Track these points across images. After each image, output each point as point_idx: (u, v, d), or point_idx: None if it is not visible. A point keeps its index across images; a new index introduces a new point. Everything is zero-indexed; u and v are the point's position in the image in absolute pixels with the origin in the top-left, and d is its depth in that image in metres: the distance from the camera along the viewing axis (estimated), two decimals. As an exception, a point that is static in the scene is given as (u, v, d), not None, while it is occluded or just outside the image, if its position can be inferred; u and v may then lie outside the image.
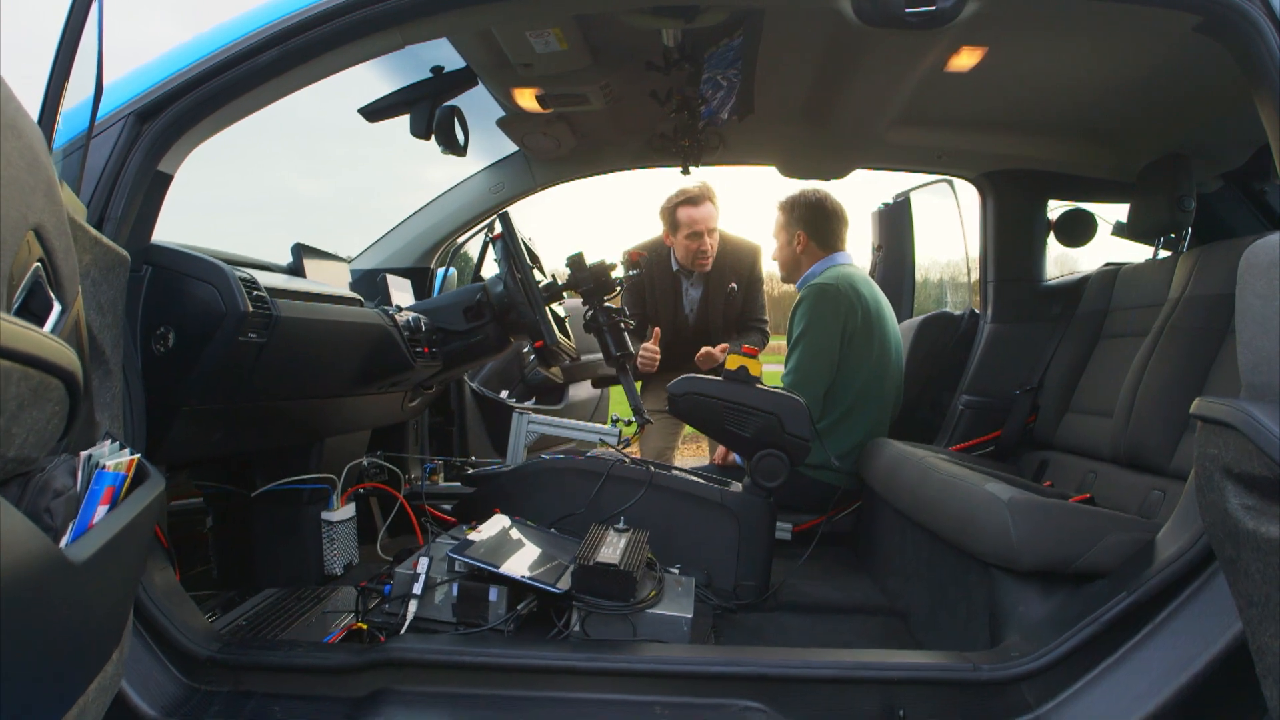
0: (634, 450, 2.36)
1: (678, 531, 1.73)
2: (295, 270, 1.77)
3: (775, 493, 1.76)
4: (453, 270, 2.69)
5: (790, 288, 2.48)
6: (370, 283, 2.26)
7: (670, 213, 2.76)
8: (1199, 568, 1.11)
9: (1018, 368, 2.36)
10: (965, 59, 1.77)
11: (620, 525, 1.54)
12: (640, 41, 1.77)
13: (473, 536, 1.48)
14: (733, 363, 1.79)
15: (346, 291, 1.68)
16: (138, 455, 0.92)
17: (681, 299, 2.91)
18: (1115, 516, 1.28)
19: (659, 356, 2.71)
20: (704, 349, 2.67)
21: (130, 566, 0.91)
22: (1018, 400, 2.30)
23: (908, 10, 1.25)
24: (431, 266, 2.59)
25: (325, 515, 1.81)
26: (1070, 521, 1.26)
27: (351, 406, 1.83)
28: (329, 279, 1.88)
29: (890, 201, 3.18)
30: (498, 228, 1.99)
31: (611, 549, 1.40)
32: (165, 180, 1.29)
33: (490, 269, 2.14)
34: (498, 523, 1.58)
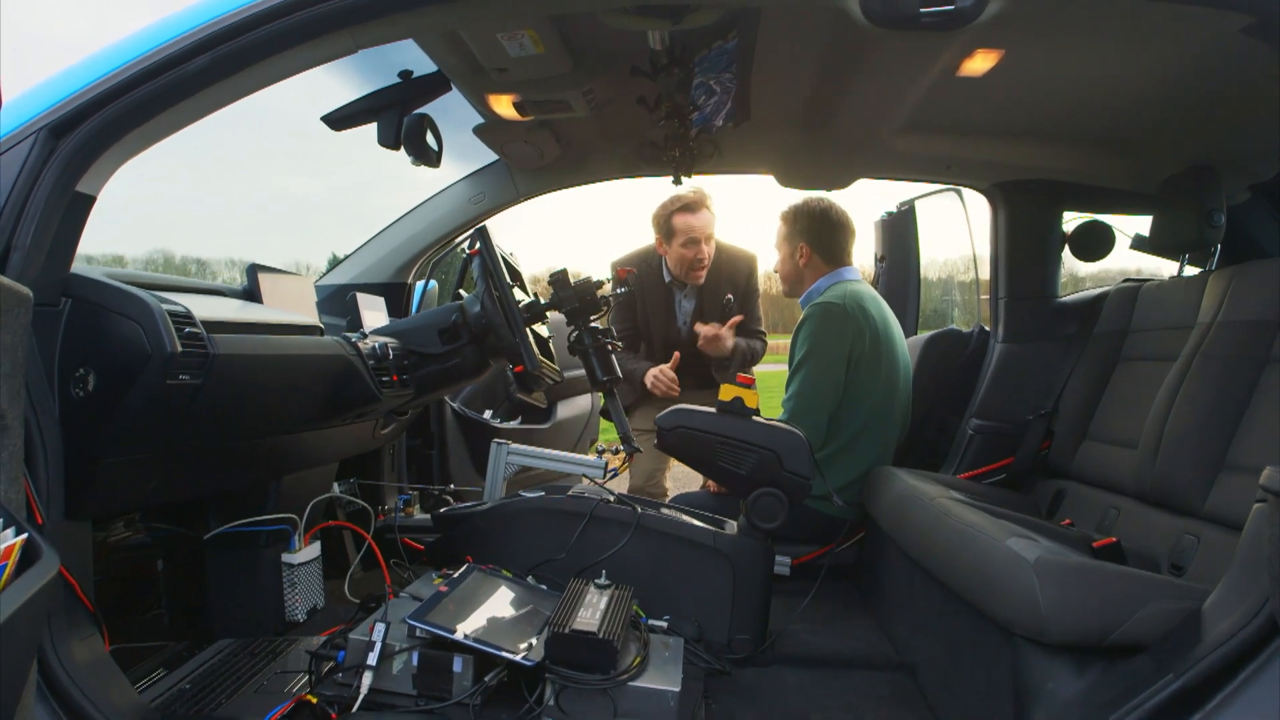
0: (622, 475, 2.21)
1: (667, 578, 1.59)
2: (250, 294, 1.63)
3: (773, 533, 1.62)
4: (434, 284, 2.54)
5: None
6: (339, 301, 2.11)
7: (665, 220, 2.61)
8: (1257, 647, 0.97)
9: (1031, 390, 2.21)
10: (980, 62, 1.62)
11: (601, 580, 1.39)
12: (625, 44, 1.62)
13: (441, 588, 1.34)
14: (726, 393, 1.65)
15: (301, 318, 1.54)
16: (24, 535, 0.79)
17: (675, 311, 2.77)
18: (1155, 580, 1.14)
19: (678, 385, 2.59)
20: (704, 330, 2.53)
21: (8, 672, 0.77)
22: (1031, 425, 2.16)
23: (923, 10, 1.10)
24: (409, 281, 2.45)
25: (286, 558, 1.68)
26: (1105, 586, 1.11)
27: (314, 440, 1.68)
28: (289, 301, 1.73)
29: (894, 210, 3.04)
30: (476, 243, 1.85)
31: (591, 611, 1.26)
32: (86, 202, 1.14)
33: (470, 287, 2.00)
34: (468, 574, 1.44)
